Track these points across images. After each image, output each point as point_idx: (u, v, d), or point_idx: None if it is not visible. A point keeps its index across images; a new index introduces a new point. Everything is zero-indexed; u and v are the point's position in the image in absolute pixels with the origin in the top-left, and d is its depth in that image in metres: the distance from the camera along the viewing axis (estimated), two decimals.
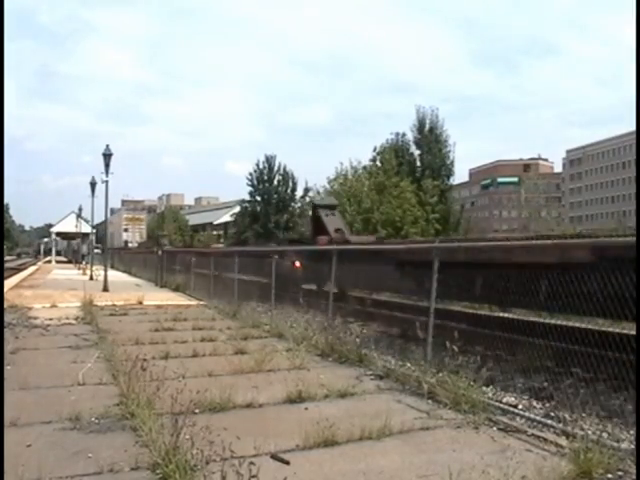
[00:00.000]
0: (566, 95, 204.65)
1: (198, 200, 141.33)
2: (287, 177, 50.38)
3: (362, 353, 7.22)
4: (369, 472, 3.75)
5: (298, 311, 11.44)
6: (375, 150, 37.90)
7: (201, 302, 15.24)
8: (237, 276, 13.66)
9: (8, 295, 15.08)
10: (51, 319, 11.00)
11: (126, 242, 50.01)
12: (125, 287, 20.58)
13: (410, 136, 40.25)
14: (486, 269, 7.58)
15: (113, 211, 56.27)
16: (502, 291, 6.95)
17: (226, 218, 57.18)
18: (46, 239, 64.58)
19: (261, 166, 50.06)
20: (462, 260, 7.62)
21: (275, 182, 50.06)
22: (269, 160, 50.28)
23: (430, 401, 5.37)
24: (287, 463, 3.84)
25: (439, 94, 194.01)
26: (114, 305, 13.84)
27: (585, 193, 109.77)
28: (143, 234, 53.29)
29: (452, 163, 39.92)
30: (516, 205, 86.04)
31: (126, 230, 52.27)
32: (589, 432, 4.19)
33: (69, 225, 51.48)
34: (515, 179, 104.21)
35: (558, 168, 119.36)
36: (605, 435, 4.24)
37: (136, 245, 42.22)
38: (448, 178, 40.06)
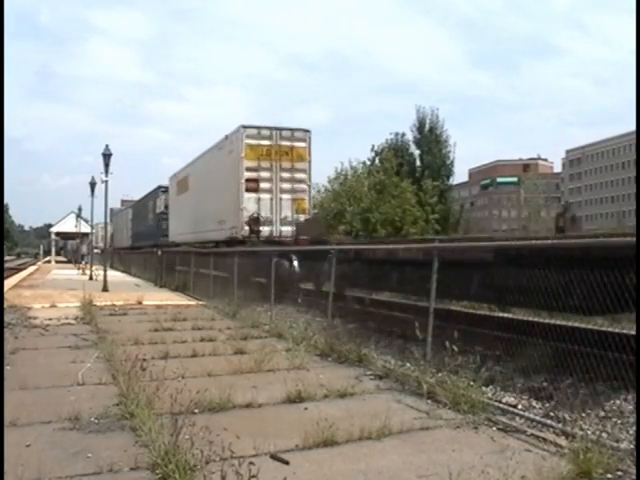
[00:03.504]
0: (566, 95, 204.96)
1: None
2: None
3: (362, 353, 7.22)
4: (369, 472, 3.75)
5: (298, 311, 11.45)
6: (373, 149, 37.83)
7: (201, 302, 15.23)
8: (237, 276, 13.65)
9: (8, 295, 15.07)
10: (50, 319, 10.99)
11: (257, 219, 16.96)
12: (125, 287, 20.56)
13: (410, 136, 40.33)
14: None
15: (113, 211, 53.13)
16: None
17: None
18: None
19: None
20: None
21: None
22: None
23: (430, 401, 5.36)
24: (287, 463, 3.84)
25: (439, 94, 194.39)
26: (113, 305, 13.83)
27: (585, 193, 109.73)
28: (304, 204, 17.89)
29: (452, 163, 40.09)
30: (516, 205, 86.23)
31: (255, 190, 17.20)
32: (589, 432, 4.19)
33: (69, 225, 51.19)
34: (515, 179, 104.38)
35: (558, 168, 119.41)
36: (605, 435, 4.24)
37: (292, 232, 16.95)
38: (448, 178, 40.13)
